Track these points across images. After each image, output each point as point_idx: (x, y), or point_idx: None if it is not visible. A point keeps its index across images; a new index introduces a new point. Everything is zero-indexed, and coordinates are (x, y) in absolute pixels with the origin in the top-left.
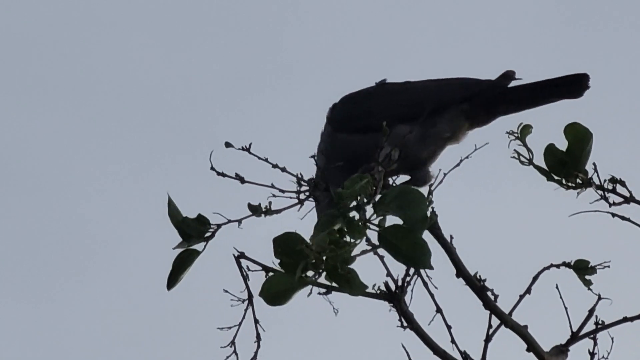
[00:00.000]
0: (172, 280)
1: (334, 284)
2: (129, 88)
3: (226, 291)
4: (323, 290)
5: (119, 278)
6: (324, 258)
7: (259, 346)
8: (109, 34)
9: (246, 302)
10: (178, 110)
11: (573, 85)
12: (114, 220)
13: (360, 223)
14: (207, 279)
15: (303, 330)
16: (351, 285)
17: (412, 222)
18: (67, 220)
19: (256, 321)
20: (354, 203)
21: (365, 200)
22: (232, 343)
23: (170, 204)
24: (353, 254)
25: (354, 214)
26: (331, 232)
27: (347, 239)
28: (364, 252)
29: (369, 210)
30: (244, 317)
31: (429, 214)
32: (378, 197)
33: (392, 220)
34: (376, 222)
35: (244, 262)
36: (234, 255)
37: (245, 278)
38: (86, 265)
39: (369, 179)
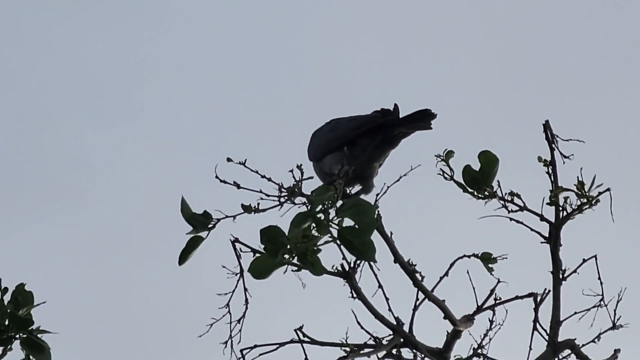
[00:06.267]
0: (183, 258)
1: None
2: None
3: (224, 267)
4: (295, 268)
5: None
6: (297, 246)
7: (247, 308)
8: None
9: (238, 275)
10: (193, 134)
11: (422, 117)
12: (136, 217)
13: (325, 222)
14: (209, 260)
15: (279, 298)
16: (315, 267)
17: (363, 226)
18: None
19: (245, 289)
20: (321, 207)
21: (329, 206)
22: (227, 305)
23: (183, 202)
24: (319, 245)
25: (320, 215)
26: (304, 228)
27: (315, 233)
28: (326, 242)
29: (332, 213)
30: (236, 286)
31: (376, 219)
32: (339, 204)
33: (347, 222)
34: (336, 222)
35: (238, 245)
36: (230, 239)
37: (239, 257)
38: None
39: (334, 190)
